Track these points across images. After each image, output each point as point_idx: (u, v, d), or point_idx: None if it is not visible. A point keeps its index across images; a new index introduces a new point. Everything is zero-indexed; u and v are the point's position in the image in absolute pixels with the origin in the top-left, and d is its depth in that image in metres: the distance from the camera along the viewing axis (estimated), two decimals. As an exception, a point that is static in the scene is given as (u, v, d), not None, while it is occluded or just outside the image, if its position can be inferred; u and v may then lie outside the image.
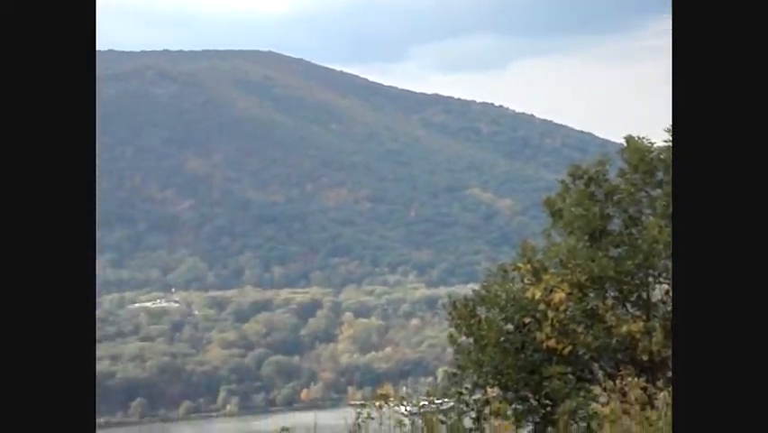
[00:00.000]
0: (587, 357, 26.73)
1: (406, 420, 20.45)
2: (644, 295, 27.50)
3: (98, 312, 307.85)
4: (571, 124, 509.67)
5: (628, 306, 27.68)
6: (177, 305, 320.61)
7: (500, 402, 20.72)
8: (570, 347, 25.74)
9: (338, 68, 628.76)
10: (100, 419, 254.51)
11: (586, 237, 27.65)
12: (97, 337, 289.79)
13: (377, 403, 20.01)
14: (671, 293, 25.72)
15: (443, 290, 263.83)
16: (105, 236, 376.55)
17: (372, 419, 19.86)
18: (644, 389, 17.33)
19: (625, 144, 28.54)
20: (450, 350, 28.66)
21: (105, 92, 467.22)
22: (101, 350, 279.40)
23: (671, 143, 25.97)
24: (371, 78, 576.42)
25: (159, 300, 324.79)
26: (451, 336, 28.17)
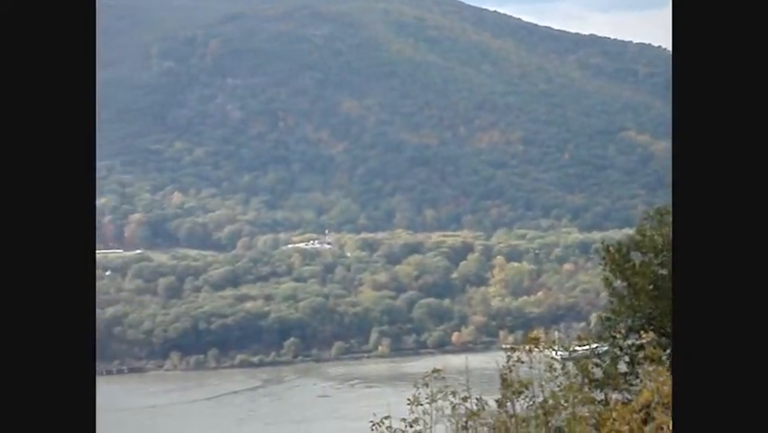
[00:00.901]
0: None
1: (557, 364, 21.18)
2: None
3: (252, 252, 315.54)
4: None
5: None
6: (329, 246, 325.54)
7: (655, 348, 20.83)
8: None
9: (491, 8, 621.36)
10: (254, 358, 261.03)
11: None
12: (251, 278, 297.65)
13: (527, 347, 20.69)
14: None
15: (596, 235, 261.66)
16: (260, 178, 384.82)
17: (522, 363, 20.65)
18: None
19: None
20: (603, 295, 29.80)
21: (260, 33, 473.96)
22: (255, 290, 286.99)
23: None
24: (526, 19, 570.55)
25: (312, 242, 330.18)
26: (606, 279, 28.69)
